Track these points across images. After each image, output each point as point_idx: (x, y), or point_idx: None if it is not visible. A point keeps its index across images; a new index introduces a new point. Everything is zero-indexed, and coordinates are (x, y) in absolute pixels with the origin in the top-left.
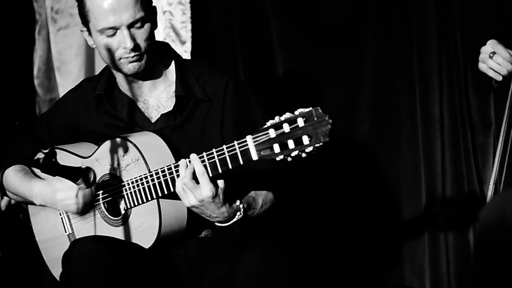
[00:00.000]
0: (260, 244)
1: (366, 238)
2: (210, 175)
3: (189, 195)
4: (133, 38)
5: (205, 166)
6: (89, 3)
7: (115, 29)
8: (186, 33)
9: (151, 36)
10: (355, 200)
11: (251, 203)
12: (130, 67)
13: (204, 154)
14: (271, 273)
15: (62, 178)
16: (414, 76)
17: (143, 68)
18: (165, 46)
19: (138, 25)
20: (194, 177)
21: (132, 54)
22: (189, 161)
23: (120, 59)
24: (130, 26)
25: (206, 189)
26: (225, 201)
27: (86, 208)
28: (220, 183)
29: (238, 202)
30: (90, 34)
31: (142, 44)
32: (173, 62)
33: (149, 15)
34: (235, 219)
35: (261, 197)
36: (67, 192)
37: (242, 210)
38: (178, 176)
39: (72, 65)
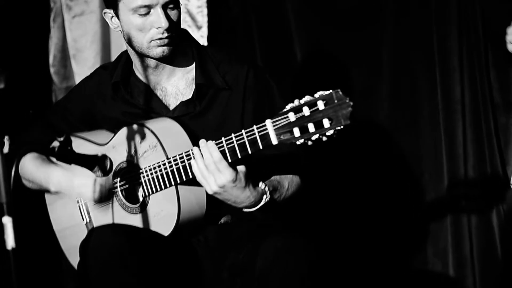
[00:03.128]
0: (280, 231)
1: (388, 222)
2: (229, 160)
3: (210, 181)
4: (168, 18)
5: (223, 151)
6: None
7: (150, 8)
8: (202, 18)
9: (179, 20)
10: (376, 184)
11: (277, 186)
12: (158, 50)
13: (223, 139)
14: (291, 260)
15: (80, 170)
16: (434, 57)
17: (170, 52)
18: (184, 32)
19: (171, 6)
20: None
21: (166, 34)
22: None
23: (151, 41)
24: (164, 6)
25: (226, 173)
26: (247, 184)
27: (102, 197)
28: (240, 167)
29: (262, 185)
30: (116, 15)
31: (174, 25)
32: (192, 50)
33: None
34: (262, 203)
35: (286, 180)
36: (85, 179)
37: (268, 193)
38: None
39: (88, 52)
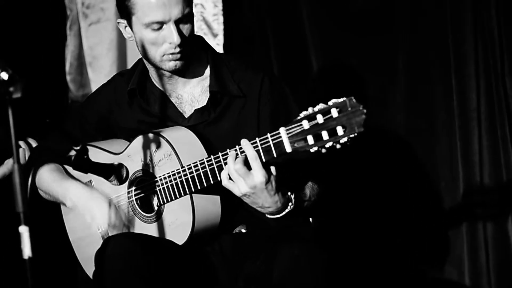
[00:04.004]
0: (296, 240)
1: (403, 229)
2: (264, 160)
3: (240, 182)
4: (180, 33)
5: (257, 151)
6: None
7: (162, 23)
8: (218, 26)
9: (193, 33)
10: (392, 191)
11: (301, 195)
12: (171, 64)
13: (237, 147)
14: (308, 269)
15: (98, 192)
16: (449, 64)
17: (182, 66)
18: (199, 39)
19: (184, 20)
20: (245, 164)
21: (178, 49)
22: (240, 148)
23: (164, 55)
24: (177, 22)
25: (259, 174)
26: (278, 189)
27: (116, 225)
28: (273, 169)
29: (289, 192)
30: (130, 26)
31: (186, 40)
32: (207, 57)
33: (192, 12)
34: (287, 210)
35: (308, 189)
36: (101, 204)
37: (293, 200)
38: (211, 170)
39: (104, 60)
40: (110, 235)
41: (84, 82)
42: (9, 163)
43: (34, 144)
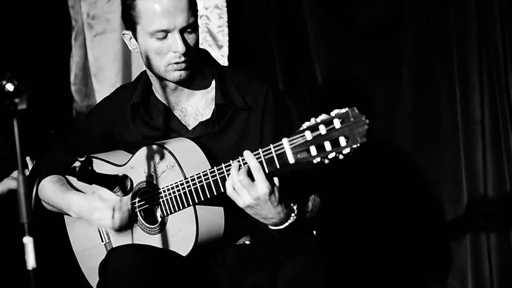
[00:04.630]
0: (300, 252)
1: (407, 242)
2: (267, 171)
3: (243, 194)
4: (184, 43)
5: (260, 162)
6: (141, 4)
7: (167, 32)
8: (223, 37)
9: (198, 43)
10: (395, 203)
11: (303, 206)
12: (175, 74)
13: (240, 158)
14: (312, 281)
15: (101, 196)
16: (454, 76)
17: (187, 76)
18: (204, 52)
19: (189, 30)
20: (249, 175)
21: (183, 59)
22: (243, 159)
23: (168, 65)
24: (182, 31)
25: (262, 185)
26: (281, 200)
27: (122, 226)
28: (276, 180)
29: (291, 203)
30: (135, 37)
31: (191, 50)
32: (212, 70)
33: (197, 22)
34: (289, 221)
35: (310, 201)
36: (104, 213)
37: (296, 211)
38: (214, 181)
39: (109, 71)
40: (115, 240)
41: (88, 93)
42: (8, 182)
43: (29, 163)
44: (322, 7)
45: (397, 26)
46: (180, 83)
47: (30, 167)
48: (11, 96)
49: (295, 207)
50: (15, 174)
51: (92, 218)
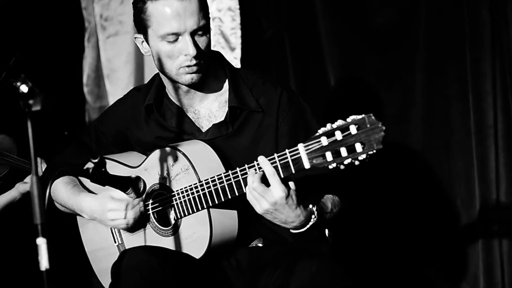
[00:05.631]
0: (313, 255)
1: (419, 247)
2: (282, 176)
3: (260, 200)
4: (195, 45)
5: (276, 167)
6: (152, 8)
7: (178, 35)
8: (236, 40)
9: (209, 46)
10: (408, 208)
11: (322, 207)
12: (187, 78)
13: (255, 163)
14: (325, 284)
15: (112, 196)
16: (467, 81)
17: (199, 79)
18: (217, 55)
19: (200, 32)
20: (264, 180)
21: (194, 62)
22: (257, 164)
23: (180, 68)
24: (193, 33)
25: (278, 190)
26: (299, 202)
27: (135, 225)
28: (291, 184)
29: (310, 205)
30: (146, 41)
31: (202, 53)
32: (225, 72)
33: (209, 25)
34: (310, 223)
35: (329, 201)
36: (117, 213)
37: (316, 213)
38: (229, 185)
39: (122, 72)
40: (128, 241)
41: (101, 94)
42: (20, 187)
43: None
44: (334, 10)
45: (410, 30)
46: (192, 86)
47: (42, 168)
48: (25, 98)
49: (314, 209)
50: (27, 179)
51: (104, 218)
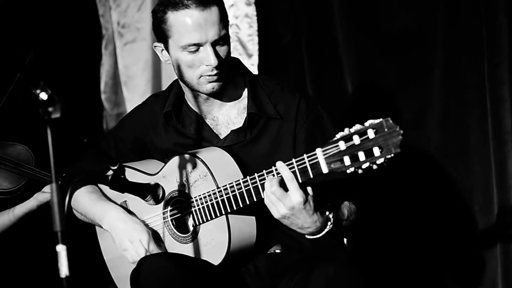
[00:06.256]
0: (331, 261)
1: (436, 252)
2: (300, 181)
3: (278, 204)
4: (216, 55)
5: (294, 172)
6: (173, 18)
7: (199, 45)
8: (253, 46)
9: (229, 55)
10: (425, 213)
11: (338, 214)
12: (208, 87)
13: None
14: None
15: (137, 219)
16: (484, 86)
17: (220, 88)
18: (236, 61)
19: (221, 42)
20: (282, 185)
21: (215, 71)
22: (275, 169)
23: (200, 77)
24: (214, 44)
25: (296, 195)
26: (316, 208)
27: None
28: (309, 190)
29: (327, 212)
30: (166, 50)
31: (223, 62)
32: (244, 78)
33: (228, 34)
34: (326, 230)
35: (345, 208)
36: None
37: (332, 220)
38: (247, 191)
39: (139, 79)
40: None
41: (118, 101)
42: (39, 197)
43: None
44: (352, 16)
45: (428, 35)
46: (212, 95)
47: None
48: (44, 105)
49: (331, 216)
50: (46, 188)
51: (126, 236)
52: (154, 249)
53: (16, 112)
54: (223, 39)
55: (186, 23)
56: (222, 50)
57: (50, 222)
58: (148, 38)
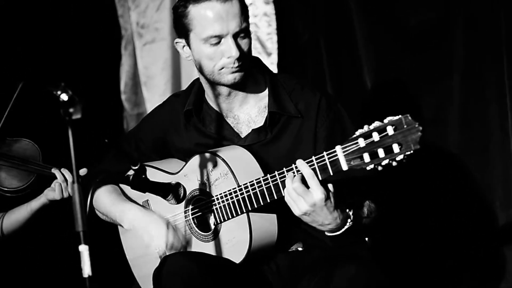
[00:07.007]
0: (353, 259)
1: (457, 249)
2: (320, 178)
3: (299, 201)
4: (238, 47)
5: (314, 169)
6: (194, 11)
7: (220, 37)
8: (272, 45)
9: (250, 49)
10: (446, 210)
11: (358, 211)
12: (230, 77)
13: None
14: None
15: (156, 214)
16: (504, 83)
17: (242, 79)
18: (256, 60)
19: (242, 35)
20: (302, 182)
21: (236, 63)
22: (296, 167)
23: (222, 68)
24: (235, 36)
25: (317, 191)
26: (337, 205)
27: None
28: (330, 186)
29: (347, 209)
30: (188, 45)
31: (244, 55)
32: (264, 77)
33: (249, 27)
34: (346, 227)
35: (365, 207)
36: (159, 229)
37: (352, 217)
38: (267, 188)
39: (159, 79)
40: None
41: (138, 101)
42: (48, 193)
43: (68, 175)
44: (370, 14)
45: (447, 33)
46: (234, 86)
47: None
48: (65, 106)
49: (350, 213)
50: (54, 185)
51: (146, 232)
52: (174, 241)
53: (20, 108)
54: (244, 32)
55: (208, 15)
56: (243, 43)
57: (72, 222)
58: (167, 38)
